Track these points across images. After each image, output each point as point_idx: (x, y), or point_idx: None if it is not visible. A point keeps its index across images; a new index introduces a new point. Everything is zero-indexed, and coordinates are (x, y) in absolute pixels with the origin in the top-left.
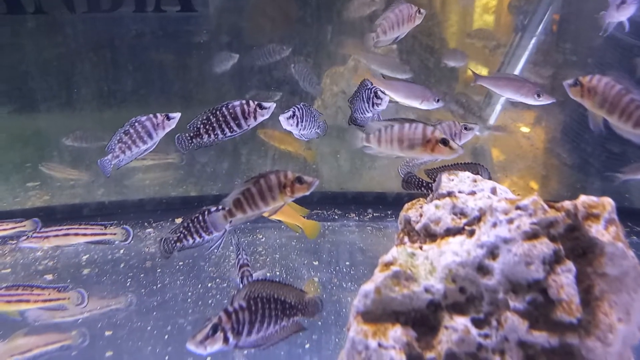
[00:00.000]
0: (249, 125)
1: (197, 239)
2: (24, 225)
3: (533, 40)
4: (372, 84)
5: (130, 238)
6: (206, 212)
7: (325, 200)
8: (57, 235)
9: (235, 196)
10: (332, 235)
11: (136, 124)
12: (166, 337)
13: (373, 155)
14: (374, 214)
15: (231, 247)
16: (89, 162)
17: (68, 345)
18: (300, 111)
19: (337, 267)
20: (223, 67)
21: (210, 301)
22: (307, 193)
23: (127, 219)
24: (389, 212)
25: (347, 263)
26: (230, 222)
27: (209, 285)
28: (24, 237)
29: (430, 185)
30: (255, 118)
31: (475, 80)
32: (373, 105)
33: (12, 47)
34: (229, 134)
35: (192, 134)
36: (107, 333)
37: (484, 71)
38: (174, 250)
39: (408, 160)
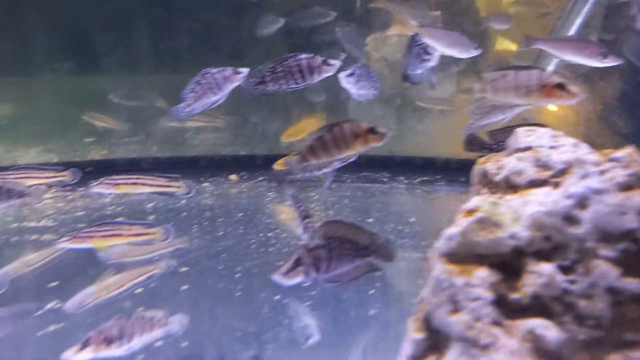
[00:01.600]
0: (313, 80)
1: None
2: (64, 175)
3: (589, 5)
4: (421, 40)
5: (192, 192)
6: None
7: (374, 164)
8: (126, 183)
9: (310, 142)
10: (383, 197)
11: (207, 75)
12: (236, 276)
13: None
14: (423, 178)
15: (288, 202)
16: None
17: (148, 279)
18: (359, 70)
19: (392, 225)
20: (269, 30)
21: (271, 249)
22: (380, 144)
23: (183, 174)
24: (438, 177)
25: (400, 222)
26: (304, 167)
27: (269, 234)
28: (96, 182)
29: (492, 146)
30: (320, 73)
31: (525, 44)
32: (423, 62)
33: (72, 5)
34: (293, 85)
35: (257, 81)
36: (183, 269)
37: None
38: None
39: (471, 122)
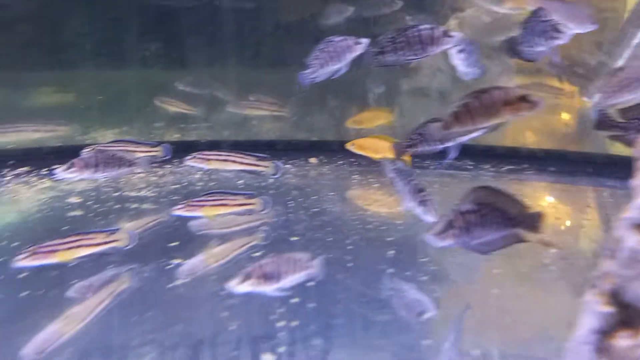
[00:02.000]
0: (433, 51)
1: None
2: (158, 150)
3: None
4: (546, 15)
5: (279, 172)
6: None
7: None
8: (217, 159)
9: (455, 109)
10: (473, 183)
11: (330, 43)
12: (348, 247)
13: None
14: (509, 167)
15: (392, 177)
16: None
17: (254, 246)
18: (470, 47)
19: None
20: (335, 20)
21: (369, 225)
22: (532, 113)
23: None
24: (525, 166)
25: None
26: (448, 134)
27: (367, 212)
28: (190, 157)
29: (624, 125)
30: (440, 45)
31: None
32: (549, 39)
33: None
34: (412, 56)
35: (377, 51)
36: (293, 239)
37: None
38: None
39: (599, 102)
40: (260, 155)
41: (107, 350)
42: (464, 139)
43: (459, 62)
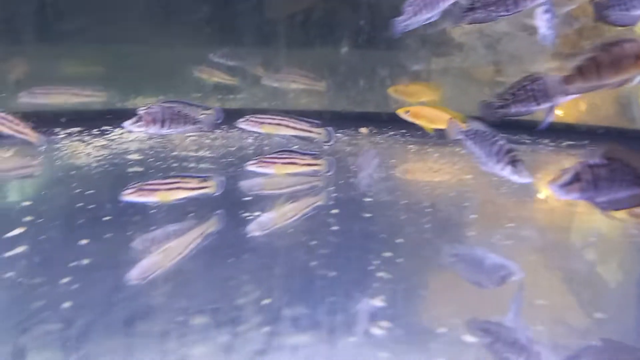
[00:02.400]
0: (525, 6)
1: (523, 108)
2: (211, 112)
3: None
4: None
5: (333, 140)
6: (538, 80)
7: (511, 126)
8: (270, 123)
9: (579, 63)
10: (534, 156)
11: None
12: (426, 210)
13: None
14: (569, 142)
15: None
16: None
17: (320, 206)
18: (553, 10)
19: None
20: None
21: (438, 191)
22: None
23: None
24: (585, 142)
25: None
26: (568, 92)
27: (436, 180)
28: (243, 119)
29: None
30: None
31: None
32: None
33: None
34: (503, 11)
35: (467, 7)
36: (366, 199)
37: None
38: (496, 116)
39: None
40: (313, 121)
41: (207, 284)
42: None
43: (542, 23)
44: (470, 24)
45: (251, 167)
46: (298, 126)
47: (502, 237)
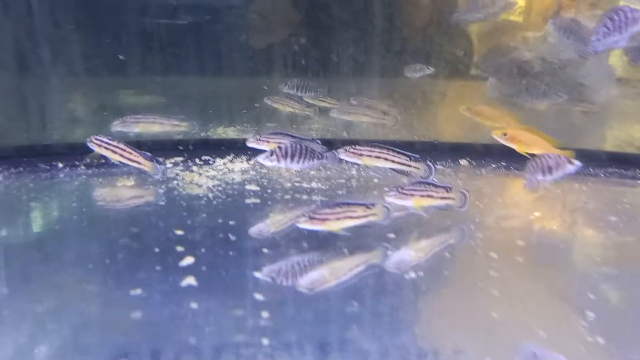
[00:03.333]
0: None
1: None
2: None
3: None
4: None
5: (433, 174)
6: None
7: (618, 159)
8: (370, 156)
9: None
10: None
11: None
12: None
13: None
14: None
15: None
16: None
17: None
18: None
19: None
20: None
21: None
22: None
23: None
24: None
25: None
26: None
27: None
28: (343, 150)
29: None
30: None
31: None
32: None
33: None
34: None
35: None
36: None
37: None
38: None
39: None
40: (412, 155)
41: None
42: None
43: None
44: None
45: (390, 198)
46: (397, 159)
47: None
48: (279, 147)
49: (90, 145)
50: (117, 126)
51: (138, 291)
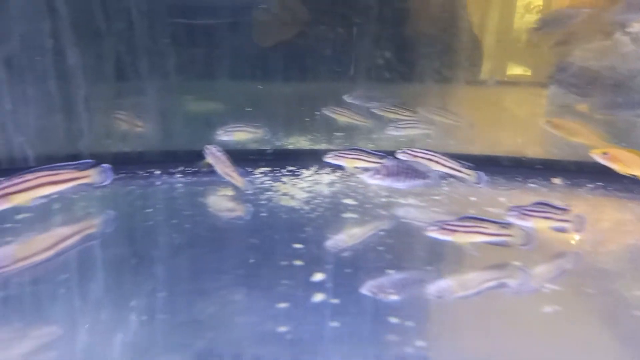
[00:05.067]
0: None
1: None
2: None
3: None
4: None
5: (484, 183)
6: None
7: None
8: (423, 157)
9: None
10: None
11: None
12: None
13: None
14: None
15: None
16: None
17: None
18: None
19: None
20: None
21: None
22: None
23: None
24: None
25: None
26: None
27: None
28: (401, 151)
29: None
30: None
31: None
32: None
33: None
34: None
35: None
36: None
37: None
38: None
39: None
40: (466, 162)
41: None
42: None
43: None
44: None
45: (510, 218)
46: (448, 164)
47: None
48: (385, 166)
49: (206, 154)
50: (221, 135)
51: (283, 305)
